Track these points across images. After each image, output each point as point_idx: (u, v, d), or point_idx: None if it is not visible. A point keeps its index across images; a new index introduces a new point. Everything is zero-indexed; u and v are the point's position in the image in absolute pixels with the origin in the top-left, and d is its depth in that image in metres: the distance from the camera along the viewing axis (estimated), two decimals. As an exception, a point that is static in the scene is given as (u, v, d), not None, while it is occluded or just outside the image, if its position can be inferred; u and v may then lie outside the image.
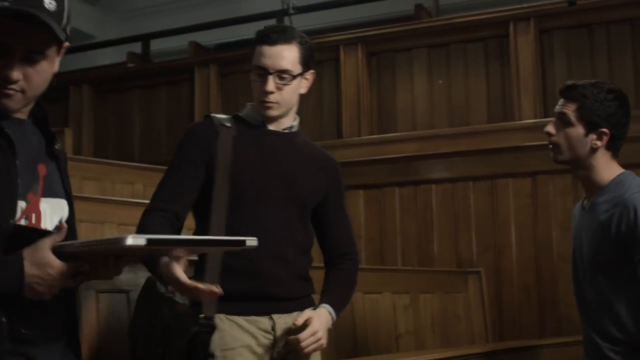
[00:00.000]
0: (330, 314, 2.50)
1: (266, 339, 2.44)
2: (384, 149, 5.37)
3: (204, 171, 2.45)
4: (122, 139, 6.58)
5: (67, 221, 1.86)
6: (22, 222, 1.73)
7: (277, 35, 2.49)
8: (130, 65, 7.04)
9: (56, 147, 1.90)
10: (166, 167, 4.98)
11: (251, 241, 1.79)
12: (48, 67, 1.77)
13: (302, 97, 2.57)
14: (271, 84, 2.45)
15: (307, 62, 2.53)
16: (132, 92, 6.62)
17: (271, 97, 2.46)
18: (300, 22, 6.69)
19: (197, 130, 2.54)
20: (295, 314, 2.46)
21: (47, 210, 1.80)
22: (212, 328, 2.30)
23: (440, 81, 5.54)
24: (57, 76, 6.24)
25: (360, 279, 4.05)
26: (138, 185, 4.94)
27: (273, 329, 2.44)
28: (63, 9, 1.73)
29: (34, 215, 1.77)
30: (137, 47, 7.51)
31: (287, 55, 2.48)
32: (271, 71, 2.45)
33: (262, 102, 2.49)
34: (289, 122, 2.58)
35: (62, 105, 6.67)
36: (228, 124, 2.52)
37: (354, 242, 2.73)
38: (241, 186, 2.44)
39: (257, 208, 2.45)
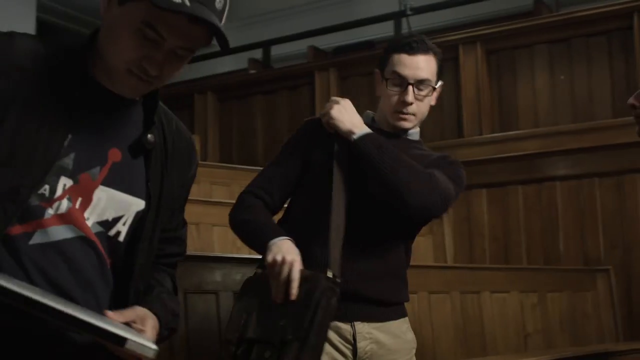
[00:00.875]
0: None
1: (346, 348, 2.28)
2: (506, 147, 5.33)
3: (300, 164, 2.38)
4: (246, 144, 6.75)
5: (140, 222, 1.64)
6: (64, 202, 1.52)
7: (417, 44, 2.37)
8: (252, 71, 7.22)
9: (148, 137, 1.64)
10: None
11: (143, 346, 1.39)
12: (185, 62, 1.60)
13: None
14: (411, 94, 2.34)
15: (440, 74, 2.44)
16: (254, 98, 6.78)
17: (410, 109, 2.36)
18: (417, 23, 6.72)
19: (305, 125, 2.48)
20: (385, 324, 2.33)
21: (102, 202, 1.57)
22: (337, 287, 2.11)
23: (563, 77, 5.46)
24: (182, 84, 6.48)
25: (486, 278, 4.11)
26: (265, 189, 5.06)
27: (354, 337, 2.28)
28: (225, 8, 1.58)
29: (79, 200, 1.54)
30: (257, 54, 7.69)
31: (427, 66, 2.37)
32: (411, 81, 2.35)
33: (398, 113, 2.38)
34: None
35: (188, 113, 6.90)
36: None
37: None
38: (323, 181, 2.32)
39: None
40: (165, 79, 1.57)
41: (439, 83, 2.44)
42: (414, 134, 2.48)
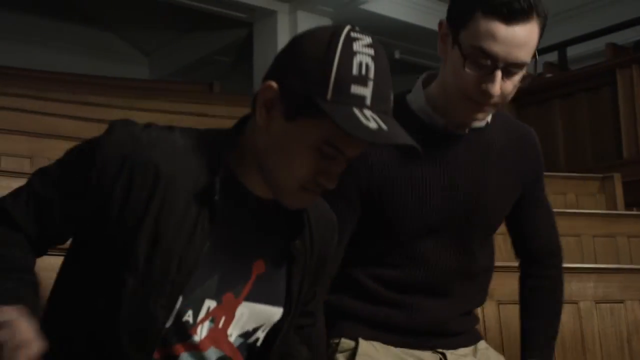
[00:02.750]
0: None
1: None
2: None
3: (359, 206, 1.87)
4: (546, 150, 6.56)
5: (273, 330, 1.54)
6: (206, 324, 1.43)
7: (518, 4, 1.64)
8: (548, 75, 7.06)
9: (296, 243, 1.51)
10: (592, 175, 4.94)
11: None
12: None
13: None
14: (499, 82, 1.67)
15: (540, 38, 1.73)
16: (552, 102, 6.60)
17: (492, 101, 1.72)
18: None
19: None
20: (461, 350, 1.99)
21: (245, 317, 1.47)
22: None
23: None
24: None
25: None
26: (570, 195, 4.93)
27: None
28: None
29: (223, 319, 1.45)
30: (550, 57, 7.51)
31: (528, 41, 1.66)
32: (501, 64, 1.67)
33: (473, 104, 1.74)
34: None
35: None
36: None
37: (556, 240, 2.09)
38: (392, 216, 1.86)
39: (414, 242, 1.89)
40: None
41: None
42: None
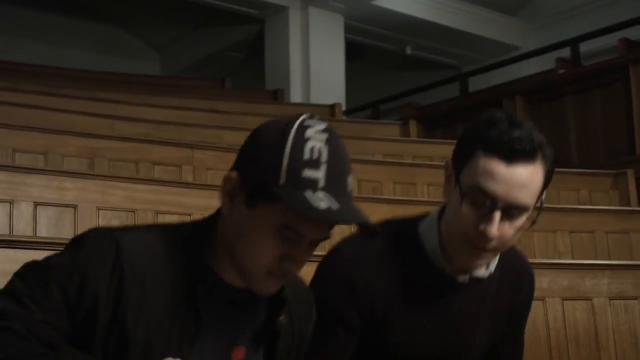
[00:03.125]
0: None
1: None
2: None
3: (358, 335, 1.83)
4: (559, 146, 6.55)
5: None
6: None
7: (522, 144, 1.59)
8: (561, 71, 7.02)
9: (280, 319, 1.53)
10: (605, 172, 4.91)
11: None
12: None
13: None
14: (496, 225, 1.61)
15: (546, 184, 1.66)
16: (564, 98, 6.58)
17: (490, 245, 1.65)
18: None
19: (357, 284, 1.78)
20: None
21: None
22: None
23: None
24: (488, 91, 6.52)
25: None
26: (583, 192, 4.92)
27: None
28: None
29: None
30: (563, 52, 7.47)
31: (529, 184, 1.60)
32: (500, 205, 1.60)
33: (472, 247, 1.67)
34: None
35: (496, 118, 6.83)
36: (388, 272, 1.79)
37: None
38: (385, 347, 1.85)
39: None
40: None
41: (543, 194, 1.68)
42: (493, 264, 1.81)
